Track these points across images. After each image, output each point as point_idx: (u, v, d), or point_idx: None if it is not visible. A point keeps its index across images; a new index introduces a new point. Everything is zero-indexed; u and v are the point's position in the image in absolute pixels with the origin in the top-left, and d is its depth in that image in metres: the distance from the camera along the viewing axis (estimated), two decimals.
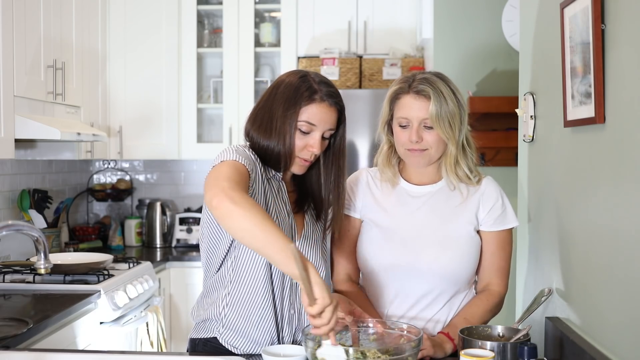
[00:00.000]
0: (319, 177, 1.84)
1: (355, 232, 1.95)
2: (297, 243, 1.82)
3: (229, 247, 1.76)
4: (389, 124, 1.90)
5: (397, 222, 1.89)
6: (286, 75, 1.81)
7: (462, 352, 1.53)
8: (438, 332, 1.82)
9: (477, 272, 1.94)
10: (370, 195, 1.94)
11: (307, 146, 1.75)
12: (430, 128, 1.80)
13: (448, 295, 1.88)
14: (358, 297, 1.89)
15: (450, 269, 1.84)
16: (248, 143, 1.81)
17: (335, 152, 1.83)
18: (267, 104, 1.78)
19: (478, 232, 1.90)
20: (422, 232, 1.87)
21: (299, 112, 1.73)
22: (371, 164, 3.71)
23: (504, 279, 1.92)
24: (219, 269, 1.80)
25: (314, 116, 1.73)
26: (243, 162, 1.66)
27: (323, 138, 1.77)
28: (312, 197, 1.86)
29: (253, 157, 1.74)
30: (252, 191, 1.70)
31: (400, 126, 1.83)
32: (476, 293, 1.94)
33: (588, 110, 1.50)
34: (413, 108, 1.80)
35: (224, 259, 1.78)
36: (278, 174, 1.81)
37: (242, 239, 1.53)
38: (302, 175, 1.84)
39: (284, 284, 1.78)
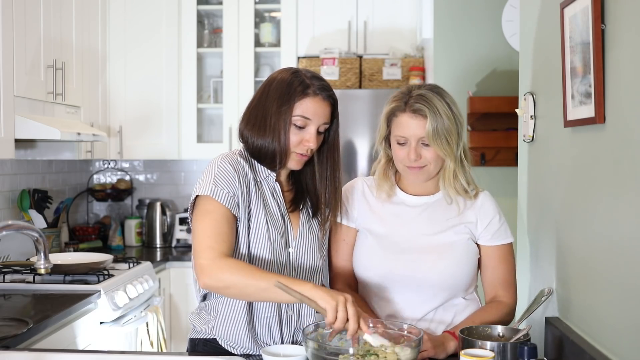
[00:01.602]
0: (314, 173, 1.85)
1: (351, 241, 1.95)
2: (293, 243, 1.82)
3: None
4: (387, 138, 1.90)
5: (393, 231, 1.89)
6: (277, 72, 1.81)
7: (462, 352, 1.53)
8: (443, 332, 1.82)
9: (483, 285, 1.94)
10: (365, 204, 1.93)
11: (303, 141, 1.75)
12: (428, 145, 1.80)
13: (447, 301, 1.87)
14: (357, 302, 1.89)
15: (447, 277, 1.84)
16: (242, 144, 1.82)
17: (330, 146, 1.84)
18: (260, 103, 1.78)
19: (476, 243, 1.90)
20: (417, 242, 1.87)
21: (293, 107, 1.73)
22: (371, 163, 3.71)
23: (511, 290, 1.91)
24: (204, 297, 1.85)
25: (309, 110, 1.74)
26: (220, 198, 1.69)
27: (318, 133, 1.77)
28: (308, 193, 1.87)
29: (235, 170, 1.74)
30: (238, 217, 1.74)
31: (399, 144, 1.84)
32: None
33: (588, 110, 1.50)
34: (410, 127, 1.81)
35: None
36: (272, 174, 1.81)
37: (243, 299, 1.74)
38: (298, 173, 1.85)
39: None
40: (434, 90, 1.84)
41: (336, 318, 1.53)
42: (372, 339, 1.56)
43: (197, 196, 1.73)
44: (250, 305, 1.77)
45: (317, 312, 1.60)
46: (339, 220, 1.94)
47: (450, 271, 1.84)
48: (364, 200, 1.94)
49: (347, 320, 1.54)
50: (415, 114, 1.80)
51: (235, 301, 1.76)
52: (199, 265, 1.65)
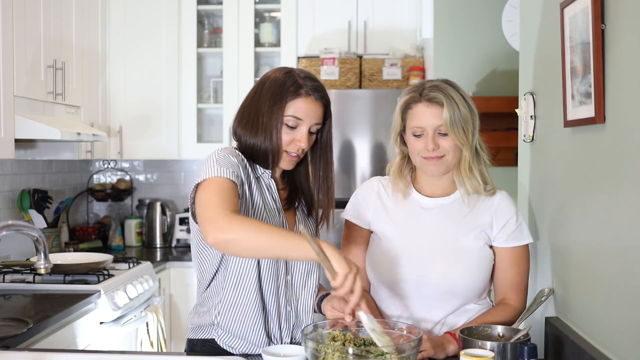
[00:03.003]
0: (307, 173, 1.86)
1: (364, 242, 1.94)
2: None
3: (219, 262, 1.78)
4: (401, 135, 1.89)
5: (407, 235, 1.87)
6: (271, 72, 1.82)
7: (462, 352, 1.53)
8: (445, 332, 1.81)
9: (493, 286, 1.92)
10: (381, 206, 1.92)
11: (294, 141, 1.75)
12: (445, 135, 1.79)
13: (460, 307, 1.86)
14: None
15: (460, 284, 1.82)
16: (236, 142, 1.82)
17: (323, 146, 1.84)
18: (254, 101, 1.78)
19: (491, 247, 1.88)
20: (431, 247, 1.85)
21: (284, 107, 1.73)
22: (371, 164, 3.73)
23: (520, 294, 1.89)
24: (209, 283, 1.82)
25: (300, 110, 1.74)
26: (226, 175, 1.66)
27: (310, 133, 1.77)
28: (302, 193, 1.87)
29: (237, 160, 1.73)
30: (240, 200, 1.70)
31: (415, 135, 1.83)
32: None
33: (588, 110, 1.50)
34: (426, 116, 1.80)
35: (215, 272, 1.80)
36: (267, 171, 1.81)
37: (252, 256, 1.63)
38: (291, 172, 1.85)
39: (278, 282, 1.78)
40: (447, 82, 1.84)
41: (342, 285, 1.50)
42: (367, 319, 1.55)
43: (199, 182, 1.68)
44: (260, 298, 1.76)
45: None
46: (352, 219, 1.95)
47: (463, 279, 1.82)
48: (379, 202, 1.93)
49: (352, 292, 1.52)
50: (431, 102, 1.79)
51: (243, 291, 1.75)
52: (209, 219, 1.56)
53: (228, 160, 1.70)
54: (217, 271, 1.79)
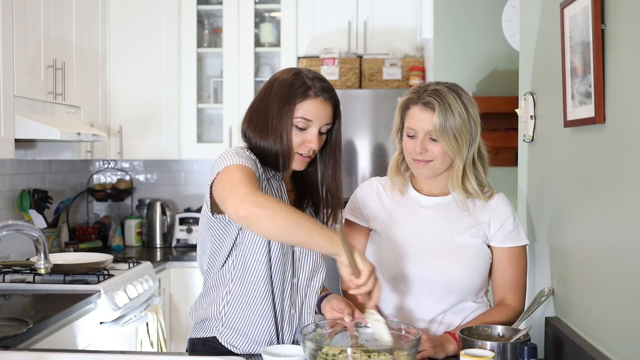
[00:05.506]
0: (316, 173, 1.85)
1: (363, 241, 1.95)
2: None
3: (232, 246, 1.76)
4: (400, 132, 1.90)
5: (404, 232, 1.88)
6: (279, 73, 1.81)
7: (462, 352, 1.53)
8: (444, 332, 1.81)
9: (492, 287, 1.93)
10: (380, 204, 1.93)
11: (305, 142, 1.75)
12: (436, 140, 1.80)
13: (458, 304, 1.86)
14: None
15: (458, 280, 1.83)
16: (246, 144, 1.82)
17: (332, 146, 1.83)
18: (262, 103, 1.78)
19: (489, 246, 1.88)
20: (429, 243, 1.86)
21: (294, 109, 1.73)
22: (371, 163, 3.73)
23: (519, 294, 1.89)
24: (222, 266, 1.80)
25: (310, 112, 1.73)
26: (247, 164, 1.66)
27: (320, 133, 1.77)
28: (311, 193, 1.87)
29: (253, 157, 1.74)
30: None
31: (408, 136, 1.85)
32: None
33: (588, 110, 1.50)
34: (419, 119, 1.81)
35: (226, 258, 1.78)
36: (278, 173, 1.81)
37: (279, 238, 1.63)
38: (300, 173, 1.85)
39: (284, 284, 1.78)
40: (451, 87, 1.83)
41: (366, 284, 1.57)
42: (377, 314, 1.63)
43: (220, 171, 1.65)
44: (270, 292, 1.76)
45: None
46: (351, 218, 1.95)
47: (461, 275, 1.83)
48: (378, 200, 1.94)
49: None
50: (425, 107, 1.80)
51: (252, 284, 1.74)
52: (238, 194, 1.54)
53: (246, 155, 1.71)
54: (228, 256, 1.77)
